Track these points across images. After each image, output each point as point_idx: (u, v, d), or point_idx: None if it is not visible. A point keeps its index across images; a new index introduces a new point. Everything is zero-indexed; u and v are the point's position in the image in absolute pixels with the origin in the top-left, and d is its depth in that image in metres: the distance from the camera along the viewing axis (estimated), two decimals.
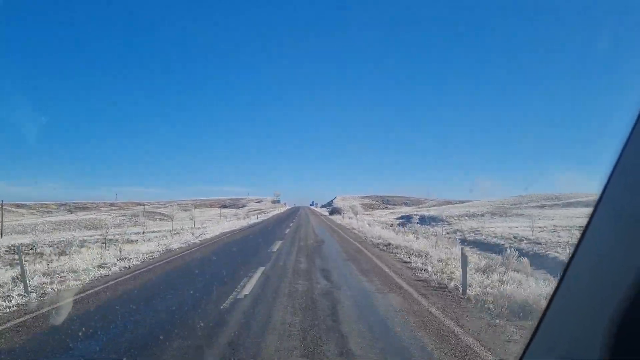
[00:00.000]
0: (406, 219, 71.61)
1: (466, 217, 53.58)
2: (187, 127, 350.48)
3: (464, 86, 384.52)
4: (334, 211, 49.44)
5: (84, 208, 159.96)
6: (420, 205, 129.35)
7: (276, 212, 67.31)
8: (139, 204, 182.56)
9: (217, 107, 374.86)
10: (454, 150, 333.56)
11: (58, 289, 7.92)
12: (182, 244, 16.79)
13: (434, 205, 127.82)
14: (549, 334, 1.03)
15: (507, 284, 6.95)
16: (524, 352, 1.14)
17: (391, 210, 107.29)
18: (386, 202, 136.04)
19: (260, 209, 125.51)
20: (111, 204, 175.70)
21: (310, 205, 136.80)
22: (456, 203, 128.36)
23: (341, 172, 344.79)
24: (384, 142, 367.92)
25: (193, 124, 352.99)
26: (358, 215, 60.07)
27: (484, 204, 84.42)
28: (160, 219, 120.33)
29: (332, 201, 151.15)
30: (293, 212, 65.57)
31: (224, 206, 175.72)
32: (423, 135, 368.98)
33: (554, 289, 1.03)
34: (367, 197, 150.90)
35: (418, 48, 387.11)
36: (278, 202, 69.03)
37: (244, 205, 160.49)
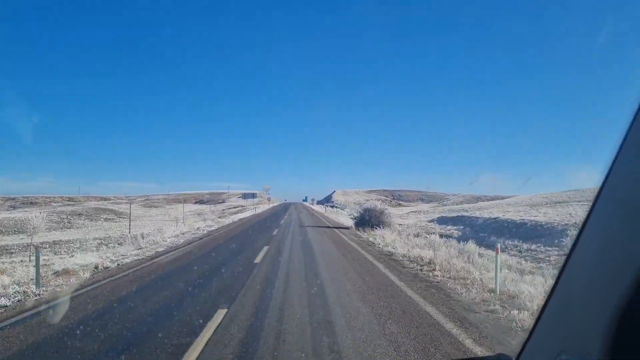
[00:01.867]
0: (462, 225, 45.57)
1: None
2: (175, 120, 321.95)
3: (467, 82, 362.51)
4: (368, 217, 19.30)
5: (32, 203, 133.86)
6: (444, 202, 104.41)
7: (244, 215, 40.45)
8: (104, 199, 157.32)
9: (204, 99, 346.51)
10: (458, 143, 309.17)
11: None
12: None
13: (462, 202, 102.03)
14: (548, 328, 1.01)
15: None
16: (524, 346, 1.12)
17: (412, 209, 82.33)
18: (397, 197, 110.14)
19: (242, 206, 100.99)
20: (69, 199, 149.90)
21: (304, 201, 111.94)
22: (488, 199, 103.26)
23: (338, 165, 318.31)
24: (384, 133, 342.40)
25: (180, 116, 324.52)
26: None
27: (534, 201, 59.44)
28: (106, 219, 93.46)
29: (330, 196, 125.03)
30: (276, 215, 38.60)
31: (201, 201, 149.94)
32: (425, 127, 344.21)
33: (553, 282, 1.01)
34: (372, 191, 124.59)
35: (421, 43, 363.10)
36: (252, 196, 43.18)
37: (223, 201, 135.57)
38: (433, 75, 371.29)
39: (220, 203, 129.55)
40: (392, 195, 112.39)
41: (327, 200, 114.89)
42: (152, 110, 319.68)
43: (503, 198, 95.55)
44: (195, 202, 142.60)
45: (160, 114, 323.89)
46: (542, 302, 1.09)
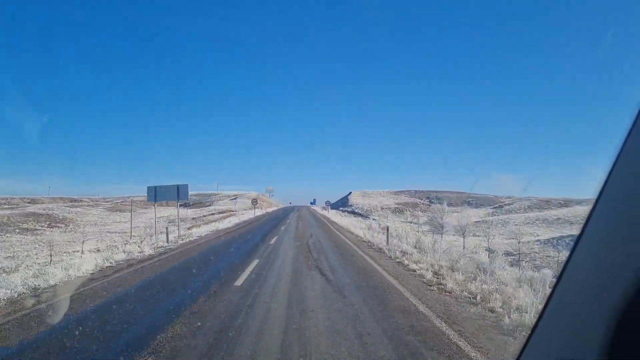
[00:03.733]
0: None
1: None
2: (178, 120, 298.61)
3: (470, 82, 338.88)
4: None
5: None
6: (499, 206, 76.71)
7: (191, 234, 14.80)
8: (74, 200, 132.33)
9: (206, 97, 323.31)
10: (471, 142, 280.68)
11: None
12: None
13: (531, 208, 74.83)
14: (546, 334, 1.00)
15: None
16: (521, 352, 1.11)
17: (475, 218, 56.25)
18: (435, 200, 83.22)
19: (231, 211, 76.01)
20: (31, 200, 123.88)
21: (311, 204, 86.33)
22: (560, 204, 76.39)
23: (348, 165, 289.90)
24: (397, 131, 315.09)
25: (183, 116, 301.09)
26: None
27: None
28: (25, 229, 66.01)
29: (346, 198, 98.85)
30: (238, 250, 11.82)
31: (187, 204, 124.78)
32: (437, 126, 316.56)
33: (551, 289, 1.01)
34: (401, 192, 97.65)
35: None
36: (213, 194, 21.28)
37: (210, 204, 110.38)
38: (437, 75, 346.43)
39: (207, 206, 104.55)
40: (428, 197, 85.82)
41: (342, 204, 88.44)
42: (153, 109, 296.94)
43: (580, 202, 68.76)
44: (180, 205, 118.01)
45: (162, 112, 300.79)
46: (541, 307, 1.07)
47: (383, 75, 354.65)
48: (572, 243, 0.82)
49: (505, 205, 76.18)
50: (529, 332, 1.07)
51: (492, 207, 76.36)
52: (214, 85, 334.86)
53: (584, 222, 0.91)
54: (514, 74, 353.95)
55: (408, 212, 65.32)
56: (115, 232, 46.34)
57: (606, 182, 0.84)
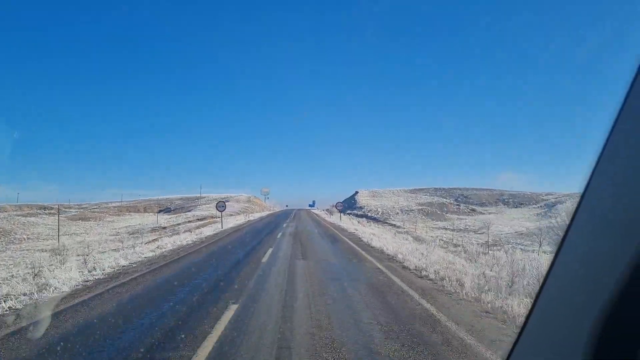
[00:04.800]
0: None
1: None
2: (170, 122, 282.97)
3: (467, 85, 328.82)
4: None
5: None
6: (552, 204, 61.71)
7: None
8: (43, 207, 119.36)
9: (200, 96, 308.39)
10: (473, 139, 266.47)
11: None
12: None
13: None
14: (534, 335, 1.01)
15: None
16: (510, 354, 1.11)
17: (519, 219, 40.80)
18: (463, 200, 68.50)
19: (212, 217, 61.53)
20: None
21: (310, 207, 74.98)
22: None
23: (349, 163, 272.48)
24: (403, 124, 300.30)
25: (176, 117, 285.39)
26: None
27: None
28: None
29: (353, 198, 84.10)
30: None
31: (168, 209, 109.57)
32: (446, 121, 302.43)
33: (538, 289, 1.01)
34: (419, 190, 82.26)
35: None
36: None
37: (189, 210, 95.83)
38: (435, 72, 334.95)
39: (188, 211, 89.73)
40: (452, 196, 70.91)
41: (349, 205, 73.44)
42: (145, 110, 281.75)
43: None
44: (160, 211, 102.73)
45: (154, 113, 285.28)
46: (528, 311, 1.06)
47: (380, 74, 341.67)
48: None
49: (556, 203, 61.29)
50: (518, 332, 1.04)
51: (535, 205, 61.52)
52: (209, 83, 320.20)
53: (570, 218, 0.88)
54: (512, 73, 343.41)
55: (454, 215, 50.05)
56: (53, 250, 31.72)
57: (590, 179, 0.83)
